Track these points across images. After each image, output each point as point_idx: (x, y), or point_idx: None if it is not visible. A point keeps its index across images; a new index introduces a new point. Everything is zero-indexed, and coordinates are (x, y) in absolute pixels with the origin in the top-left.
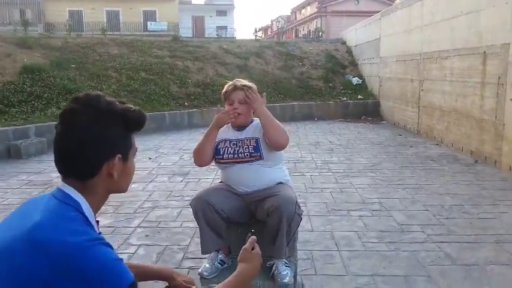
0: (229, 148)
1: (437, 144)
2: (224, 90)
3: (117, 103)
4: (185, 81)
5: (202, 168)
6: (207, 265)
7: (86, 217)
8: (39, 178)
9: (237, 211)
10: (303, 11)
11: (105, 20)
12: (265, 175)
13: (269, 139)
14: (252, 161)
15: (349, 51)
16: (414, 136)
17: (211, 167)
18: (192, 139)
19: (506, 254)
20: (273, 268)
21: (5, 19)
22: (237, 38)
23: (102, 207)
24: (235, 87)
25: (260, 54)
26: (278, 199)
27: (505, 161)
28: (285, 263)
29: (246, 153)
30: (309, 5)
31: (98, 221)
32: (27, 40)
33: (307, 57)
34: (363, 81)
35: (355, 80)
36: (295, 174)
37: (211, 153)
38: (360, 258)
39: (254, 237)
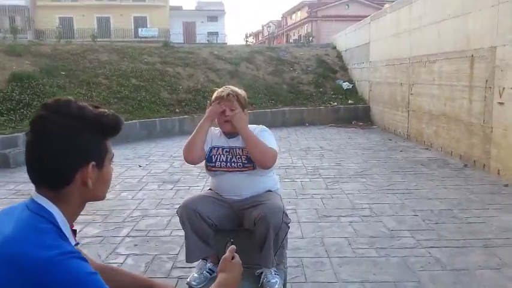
0: (222, 156)
1: (427, 149)
2: (213, 97)
3: (91, 108)
4: (176, 88)
5: (192, 175)
6: (196, 274)
7: (60, 229)
8: (27, 188)
9: (224, 218)
10: (294, 16)
11: (95, 26)
12: (256, 183)
13: (253, 159)
14: (244, 170)
15: (339, 55)
16: (404, 140)
17: (202, 174)
18: (183, 146)
19: (495, 258)
20: (262, 277)
21: None
22: (228, 44)
23: (91, 217)
24: (226, 96)
25: (251, 59)
26: (265, 208)
27: (494, 164)
28: (275, 271)
29: (239, 163)
30: (299, 10)
31: (75, 230)
32: (16, 47)
33: (298, 62)
34: (353, 85)
35: (346, 85)
36: (285, 180)
37: (202, 148)
38: (350, 264)
39: (233, 246)
